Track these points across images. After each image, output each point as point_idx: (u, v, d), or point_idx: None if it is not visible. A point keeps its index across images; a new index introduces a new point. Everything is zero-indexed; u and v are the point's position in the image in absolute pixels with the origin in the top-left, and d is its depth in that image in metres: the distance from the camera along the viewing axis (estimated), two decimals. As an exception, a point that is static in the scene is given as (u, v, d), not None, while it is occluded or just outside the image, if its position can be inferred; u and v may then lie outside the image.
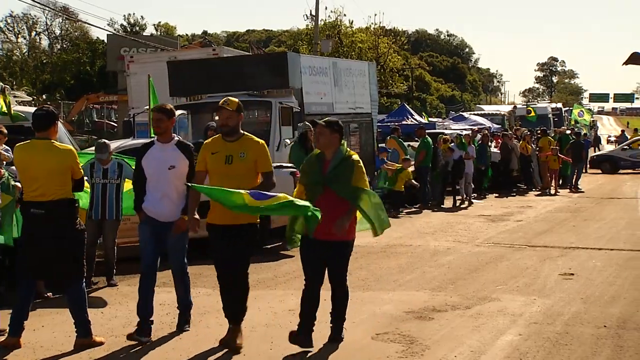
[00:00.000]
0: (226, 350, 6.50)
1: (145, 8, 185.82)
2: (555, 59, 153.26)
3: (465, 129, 28.20)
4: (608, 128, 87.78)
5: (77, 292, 6.63)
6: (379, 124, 22.66)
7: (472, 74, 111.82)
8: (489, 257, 11.51)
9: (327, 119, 6.89)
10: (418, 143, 19.55)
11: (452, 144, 20.08)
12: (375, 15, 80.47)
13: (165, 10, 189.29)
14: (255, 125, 15.73)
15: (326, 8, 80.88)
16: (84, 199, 9.12)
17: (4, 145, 9.15)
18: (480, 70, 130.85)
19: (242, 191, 6.06)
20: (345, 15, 60.44)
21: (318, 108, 16.22)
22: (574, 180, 25.03)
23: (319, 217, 6.13)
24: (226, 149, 6.53)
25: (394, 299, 8.56)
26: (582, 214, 17.52)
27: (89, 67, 54.61)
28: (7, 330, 6.65)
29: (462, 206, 19.35)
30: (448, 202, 19.62)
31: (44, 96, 46.26)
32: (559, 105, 53.65)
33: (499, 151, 24.09)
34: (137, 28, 63.71)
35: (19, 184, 7.25)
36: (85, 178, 7.27)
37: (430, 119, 34.62)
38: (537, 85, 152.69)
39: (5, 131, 9.51)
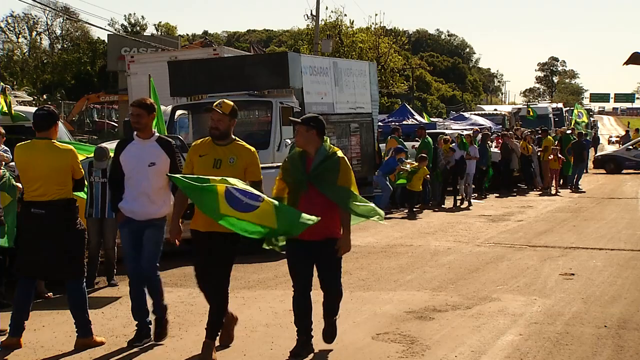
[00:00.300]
0: (226, 349, 6.50)
1: (146, 8, 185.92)
2: (556, 59, 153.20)
3: (466, 129, 28.20)
4: (608, 128, 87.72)
5: (77, 291, 6.63)
6: (379, 123, 22.66)
7: (472, 74, 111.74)
8: (490, 257, 11.51)
9: (305, 115, 6.63)
10: (418, 143, 19.58)
11: (454, 144, 20.07)
12: (376, 15, 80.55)
13: (166, 10, 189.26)
14: (256, 125, 15.76)
15: (327, 8, 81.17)
16: (80, 195, 9.09)
17: (2, 146, 9.16)
18: (481, 70, 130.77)
19: (219, 189, 5.73)
20: (345, 15, 60.49)
21: (319, 108, 16.22)
22: (574, 180, 25.06)
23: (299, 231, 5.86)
24: (215, 153, 6.27)
25: (395, 299, 8.56)
26: (583, 214, 17.52)
27: (89, 67, 54.68)
28: (8, 331, 6.65)
29: (462, 206, 19.35)
30: (448, 202, 19.62)
31: (44, 96, 46.33)
32: (560, 105, 53.57)
33: (499, 151, 24.10)
34: (138, 28, 63.78)
35: (19, 185, 7.26)
36: None
37: (430, 119, 34.61)
38: (537, 85, 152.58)
39: (3, 131, 9.52)
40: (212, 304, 6.26)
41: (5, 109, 11.63)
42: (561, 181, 24.86)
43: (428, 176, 18.35)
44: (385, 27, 50.44)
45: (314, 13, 41.48)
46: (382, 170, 17.91)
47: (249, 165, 6.28)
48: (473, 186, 20.94)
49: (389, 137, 19.62)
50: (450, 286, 9.32)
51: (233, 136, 6.40)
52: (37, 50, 62.37)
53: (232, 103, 6.45)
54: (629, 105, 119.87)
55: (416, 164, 17.74)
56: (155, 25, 71.37)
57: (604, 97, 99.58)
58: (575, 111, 41.84)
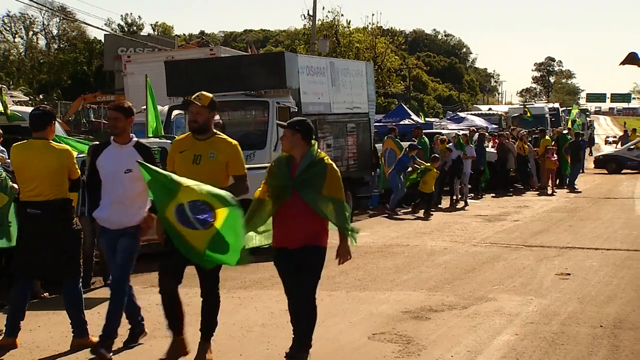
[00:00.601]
0: (222, 349, 6.49)
1: (143, 8, 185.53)
2: (552, 59, 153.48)
3: (462, 129, 28.23)
4: (605, 128, 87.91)
5: (73, 291, 6.62)
6: (376, 124, 22.65)
7: (469, 74, 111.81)
8: (486, 257, 11.52)
9: (293, 118, 6.33)
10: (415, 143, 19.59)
11: (450, 144, 20.09)
12: (373, 15, 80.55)
13: (163, 10, 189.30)
14: (253, 125, 15.75)
15: (323, 8, 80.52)
16: None
17: (-1, 146, 9.16)
18: (478, 70, 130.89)
19: (179, 197, 5.53)
20: (342, 15, 60.60)
21: (315, 108, 16.24)
22: (569, 180, 25.10)
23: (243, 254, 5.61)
24: (195, 148, 6.03)
25: (391, 299, 8.57)
26: (579, 214, 17.55)
27: (86, 67, 54.64)
28: (4, 331, 6.65)
29: (458, 206, 19.37)
30: (445, 202, 19.64)
31: (40, 96, 46.24)
32: (556, 105, 53.62)
33: (495, 151, 24.14)
34: (135, 28, 63.74)
35: (15, 185, 7.25)
36: None
37: (427, 119, 34.66)
38: (534, 85, 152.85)
39: (0, 131, 9.51)
40: (206, 303, 6.12)
41: (1, 109, 11.63)
42: (557, 181, 24.90)
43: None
44: (382, 27, 50.58)
45: (310, 13, 41.51)
46: (396, 168, 17.96)
47: (230, 159, 6.04)
48: (469, 186, 20.96)
49: (386, 137, 19.62)
50: (446, 286, 9.33)
51: (214, 130, 6.18)
52: (34, 50, 62.34)
53: (210, 95, 6.17)
54: (625, 105, 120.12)
55: (427, 164, 17.74)
56: (152, 25, 71.36)
57: (601, 97, 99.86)
58: (574, 111, 42.00)
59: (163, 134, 13.42)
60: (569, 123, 39.66)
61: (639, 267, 10.59)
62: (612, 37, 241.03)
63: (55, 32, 64.35)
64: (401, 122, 27.69)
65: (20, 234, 6.73)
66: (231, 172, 6.07)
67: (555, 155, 23.92)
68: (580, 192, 23.75)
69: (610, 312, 7.90)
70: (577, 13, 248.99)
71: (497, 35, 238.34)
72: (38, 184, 6.46)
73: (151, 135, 13.21)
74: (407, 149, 18.14)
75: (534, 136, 26.56)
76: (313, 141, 6.01)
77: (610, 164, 33.25)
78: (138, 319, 6.77)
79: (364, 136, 18.45)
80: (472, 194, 21.48)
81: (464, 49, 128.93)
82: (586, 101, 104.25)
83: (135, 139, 6.60)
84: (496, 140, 25.44)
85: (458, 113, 41.55)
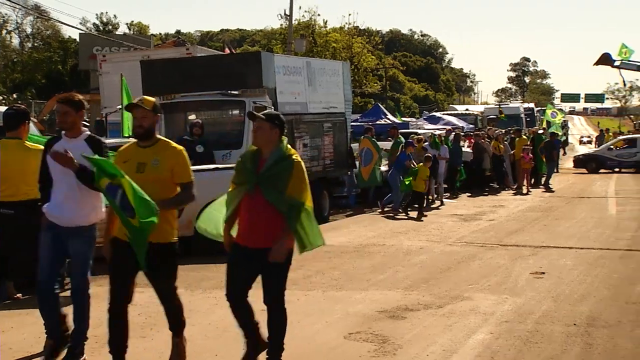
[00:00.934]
0: (197, 350, 6.47)
1: (118, 7, 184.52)
2: (528, 59, 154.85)
3: (438, 129, 28.39)
4: (579, 128, 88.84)
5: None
6: (352, 123, 22.69)
7: (445, 74, 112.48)
8: (461, 256, 11.58)
9: (266, 111, 5.93)
10: (391, 143, 19.66)
11: (426, 144, 20.15)
12: (350, 15, 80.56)
13: (139, 9, 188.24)
14: (229, 125, 15.72)
15: (300, 8, 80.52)
16: None
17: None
18: (454, 70, 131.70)
19: (123, 182, 5.26)
20: (319, 15, 60.65)
21: (292, 108, 16.23)
22: (544, 179, 25.33)
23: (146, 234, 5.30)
24: (138, 156, 5.67)
25: (367, 299, 8.59)
26: (553, 213, 17.69)
27: (60, 66, 54.17)
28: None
29: (434, 205, 19.45)
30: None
31: (14, 95, 45.81)
32: (531, 105, 54.08)
33: (471, 151, 24.28)
34: (110, 27, 63.36)
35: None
36: None
37: (403, 119, 34.79)
38: (509, 85, 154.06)
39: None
40: (166, 308, 5.97)
41: (-26, 108, 11.50)
42: (533, 180, 25.10)
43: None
44: (358, 27, 50.64)
45: (287, 13, 41.45)
46: (396, 167, 17.99)
47: (175, 166, 5.67)
48: (445, 186, 21.05)
49: (362, 136, 19.68)
50: (422, 285, 9.36)
51: (158, 135, 5.84)
52: (7, 49, 61.70)
53: (153, 99, 5.92)
54: (599, 105, 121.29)
55: (420, 164, 17.78)
56: (127, 24, 71.04)
57: (575, 98, 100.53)
58: (549, 111, 42.30)
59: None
60: (544, 123, 40.02)
61: (611, 266, 10.69)
62: (586, 37, 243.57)
63: (29, 30, 63.88)
64: (377, 122, 27.79)
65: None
66: (177, 180, 5.70)
67: (530, 155, 24.11)
68: (554, 191, 23.95)
69: (584, 310, 7.97)
70: (552, 14, 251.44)
71: (473, 35, 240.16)
72: (11, 184, 6.41)
73: (127, 135, 13.15)
74: (404, 147, 18.24)
75: (510, 136, 26.77)
76: (283, 137, 5.74)
77: (591, 164, 33.63)
78: (64, 339, 6.24)
79: (340, 136, 18.48)
80: (448, 194, 21.59)
81: (440, 49, 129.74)
82: (561, 101, 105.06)
83: (87, 132, 6.28)
84: (472, 140, 25.60)
85: (434, 113, 41.76)
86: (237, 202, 5.62)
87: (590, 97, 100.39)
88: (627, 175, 31.56)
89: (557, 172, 28.99)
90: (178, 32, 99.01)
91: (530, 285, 9.32)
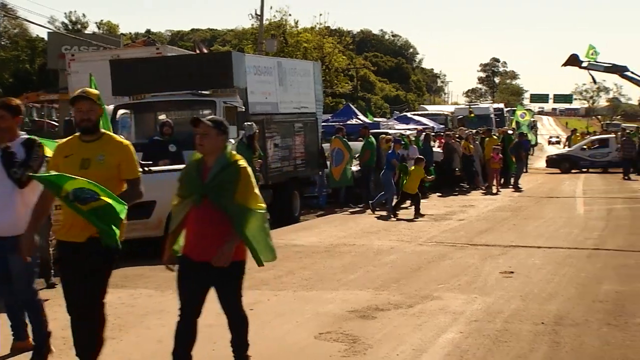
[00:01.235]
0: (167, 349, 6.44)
1: (87, 6, 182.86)
2: (497, 60, 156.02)
3: (409, 129, 28.52)
4: (548, 128, 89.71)
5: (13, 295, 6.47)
6: (323, 123, 22.72)
7: (416, 74, 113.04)
8: (432, 256, 11.64)
9: (212, 117, 5.61)
10: (362, 143, 19.71)
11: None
12: (321, 15, 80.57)
13: (108, 8, 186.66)
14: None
15: (271, 8, 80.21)
16: None
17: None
18: (424, 70, 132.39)
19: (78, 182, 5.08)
20: (290, 15, 60.52)
21: (263, 108, 16.21)
22: (513, 179, 25.55)
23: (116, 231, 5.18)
24: (82, 151, 5.38)
25: (337, 299, 8.60)
26: (523, 213, 17.86)
27: (28, 65, 53.58)
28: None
29: (403, 206, 19.49)
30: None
31: (-19, 94, 45.18)
32: (501, 105, 54.58)
33: (441, 151, 24.42)
34: (79, 26, 62.81)
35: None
36: None
37: (374, 119, 34.89)
38: (479, 86, 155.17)
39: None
40: (85, 322, 5.52)
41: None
42: (502, 180, 25.30)
43: (431, 177, 19.16)
44: (329, 27, 50.70)
45: (258, 12, 41.34)
46: (387, 166, 18.00)
47: (122, 162, 5.42)
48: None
49: (334, 136, 19.71)
50: (392, 285, 9.40)
51: (102, 130, 5.57)
52: (-26, 47, 60.89)
53: (96, 90, 5.72)
54: (567, 105, 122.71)
55: (413, 167, 17.81)
56: (96, 23, 70.48)
57: (544, 98, 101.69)
58: (519, 112, 42.70)
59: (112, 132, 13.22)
60: (513, 123, 40.39)
61: (579, 265, 10.81)
62: (556, 38, 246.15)
63: (-4, 29, 63.00)
64: (348, 122, 27.84)
65: None
66: (124, 176, 5.45)
67: (500, 155, 24.31)
68: (523, 191, 24.17)
69: (552, 309, 8.05)
70: (522, 14, 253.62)
71: (443, 35, 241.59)
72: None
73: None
74: (393, 144, 18.31)
75: (480, 136, 26.97)
76: (227, 143, 5.52)
77: (564, 164, 34.00)
78: (41, 344, 6.21)
79: (312, 136, 18.51)
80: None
81: (411, 50, 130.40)
82: (530, 102, 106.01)
83: (24, 136, 6.14)
84: (442, 140, 25.75)
85: (405, 113, 41.93)
86: (183, 215, 5.42)
87: (558, 98, 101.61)
88: (594, 175, 32.00)
89: (526, 172, 29.26)
90: (148, 31, 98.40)
91: (499, 285, 9.39)
